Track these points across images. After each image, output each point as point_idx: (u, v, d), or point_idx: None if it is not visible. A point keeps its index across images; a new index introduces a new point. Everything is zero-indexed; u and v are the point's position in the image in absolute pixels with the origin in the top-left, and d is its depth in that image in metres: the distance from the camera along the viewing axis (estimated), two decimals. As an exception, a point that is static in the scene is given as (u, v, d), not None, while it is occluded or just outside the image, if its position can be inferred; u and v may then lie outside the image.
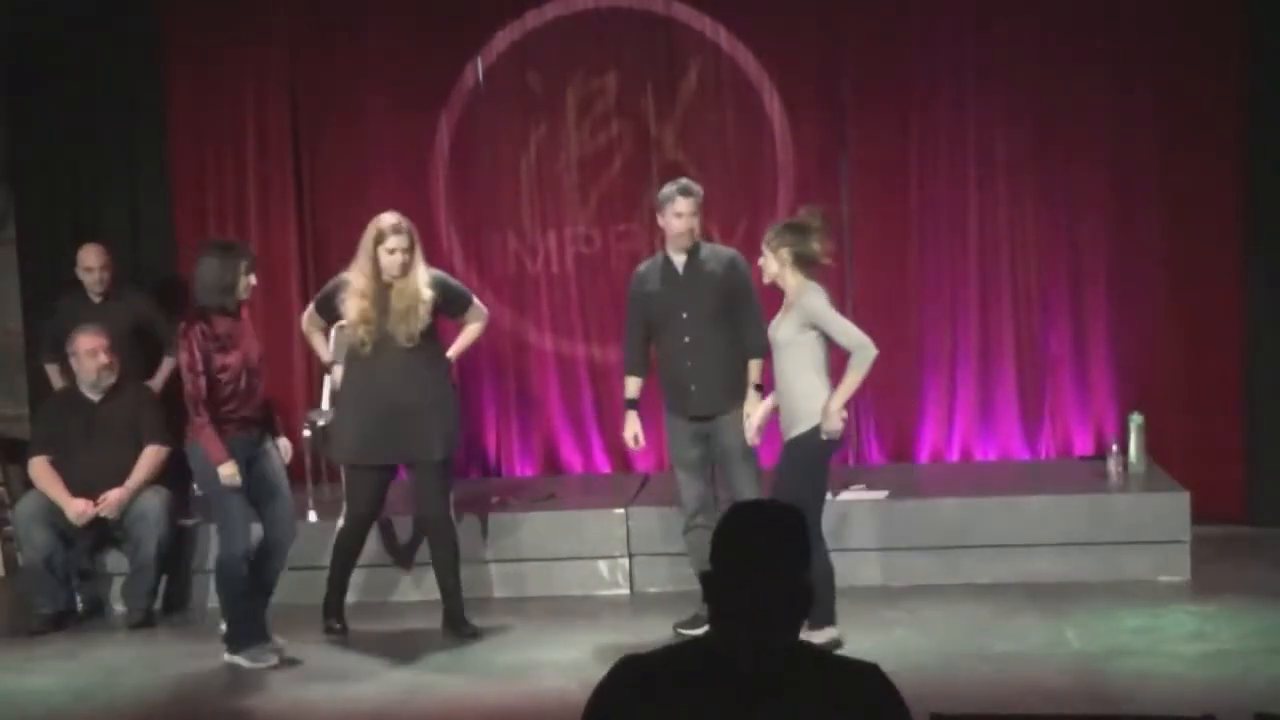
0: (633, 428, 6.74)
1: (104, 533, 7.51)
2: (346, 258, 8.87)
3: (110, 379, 7.52)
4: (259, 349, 6.64)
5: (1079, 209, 8.46)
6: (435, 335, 6.78)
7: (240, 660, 6.53)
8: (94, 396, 7.52)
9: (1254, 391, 8.29)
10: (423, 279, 6.69)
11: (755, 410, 6.44)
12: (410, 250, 6.64)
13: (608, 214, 8.77)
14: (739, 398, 6.52)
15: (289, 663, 6.53)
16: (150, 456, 7.47)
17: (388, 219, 6.68)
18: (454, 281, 7.06)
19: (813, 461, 6.16)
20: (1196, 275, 8.32)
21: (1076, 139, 8.42)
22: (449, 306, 6.84)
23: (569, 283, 8.82)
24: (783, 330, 6.19)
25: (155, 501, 7.37)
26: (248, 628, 6.56)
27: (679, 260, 6.62)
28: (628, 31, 8.71)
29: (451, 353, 7.00)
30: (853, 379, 6.12)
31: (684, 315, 6.57)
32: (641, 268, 6.85)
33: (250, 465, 6.50)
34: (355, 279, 6.69)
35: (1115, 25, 8.35)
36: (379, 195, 8.77)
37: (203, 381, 6.32)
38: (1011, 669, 6.05)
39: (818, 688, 2.63)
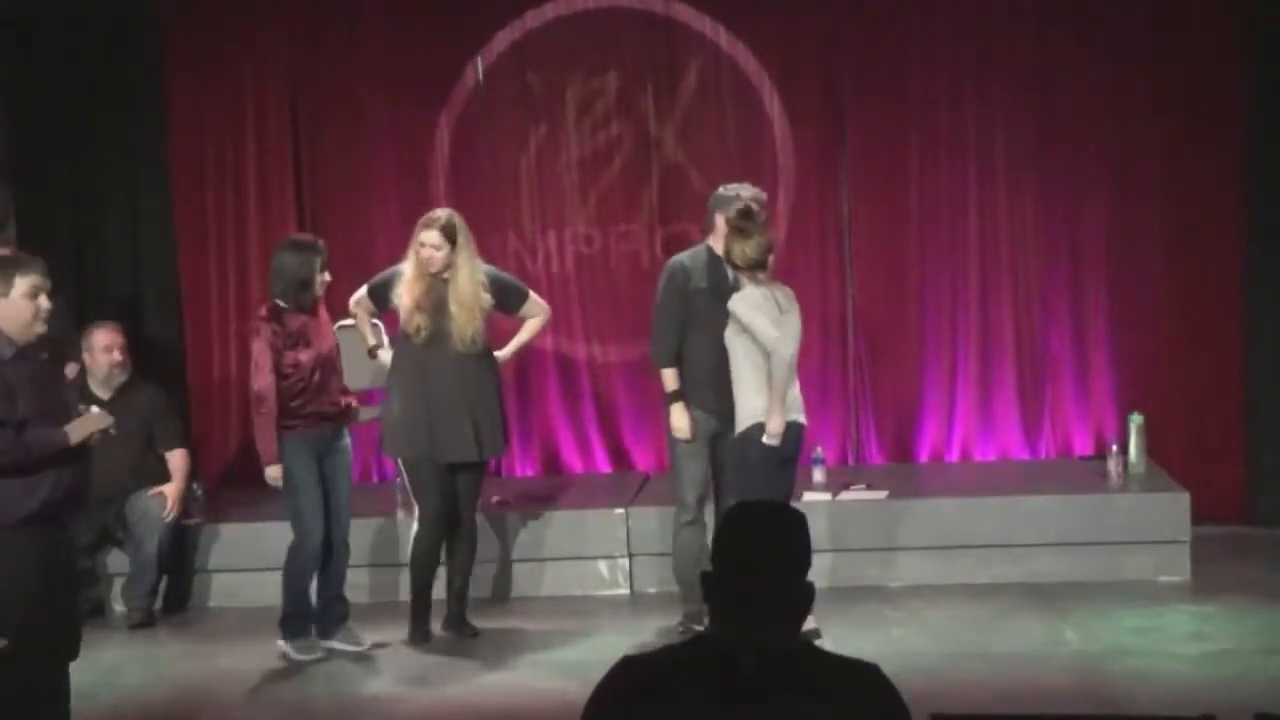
0: (685, 417, 6.57)
1: (105, 533, 7.51)
2: (347, 257, 8.92)
3: (122, 377, 7.51)
4: (333, 344, 6.66)
5: (1079, 209, 8.46)
6: (488, 336, 6.73)
7: (288, 649, 6.60)
8: (104, 394, 7.50)
9: (1254, 391, 8.29)
10: (479, 280, 6.62)
11: None
12: (444, 248, 6.55)
13: (608, 214, 8.76)
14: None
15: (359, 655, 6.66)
16: (179, 459, 7.53)
17: (430, 214, 6.68)
18: (507, 276, 7.01)
19: (754, 459, 6.23)
20: (1196, 275, 8.32)
21: (1077, 139, 8.42)
22: (504, 303, 6.79)
23: (569, 283, 8.81)
24: (727, 331, 6.32)
25: (156, 502, 7.38)
26: (299, 619, 6.64)
27: (729, 266, 6.48)
28: (628, 31, 8.70)
29: (505, 353, 6.90)
30: (774, 380, 6.19)
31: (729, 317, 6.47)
32: (685, 261, 6.68)
33: (322, 461, 6.55)
34: (406, 270, 6.68)
35: (1115, 24, 8.35)
36: (379, 195, 8.80)
37: (269, 379, 6.42)
38: (1011, 669, 6.05)
39: (818, 688, 2.63)
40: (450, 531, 6.82)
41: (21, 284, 4.80)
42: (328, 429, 6.57)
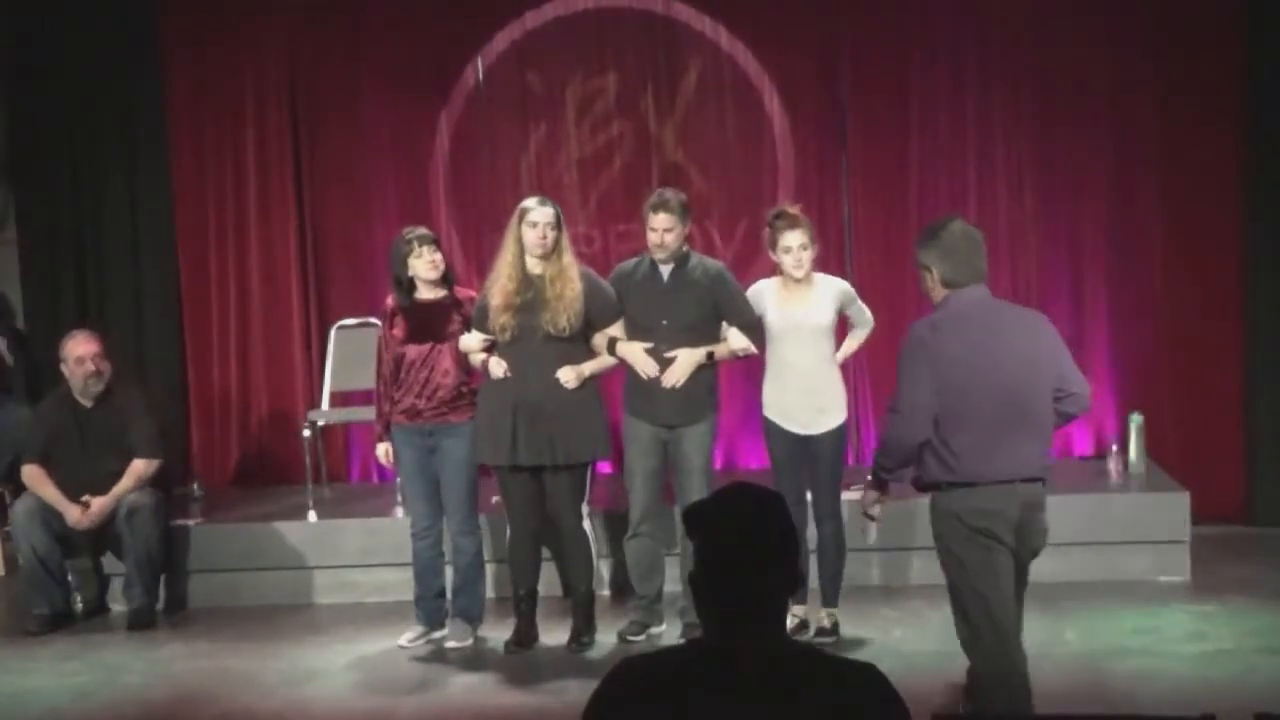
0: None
1: (102, 533, 7.49)
2: (347, 257, 8.94)
3: (99, 386, 7.40)
4: (448, 338, 6.60)
5: (1079, 210, 8.47)
6: (584, 337, 6.46)
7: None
8: (85, 402, 7.46)
9: (1254, 391, 8.30)
10: (574, 269, 6.39)
11: (687, 358, 6.38)
12: (556, 231, 6.35)
13: (608, 214, 8.77)
14: (704, 410, 6.47)
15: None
16: (137, 468, 7.37)
17: (531, 200, 6.45)
18: (607, 284, 6.56)
19: (843, 451, 6.68)
20: (1197, 275, 8.33)
21: (1077, 141, 8.43)
22: (596, 310, 6.44)
23: (569, 283, 8.80)
24: (829, 315, 6.42)
25: (147, 502, 7.34)
26: (416, 603, 6.76)
27: (665, 269, 6.46)
28: (628, 31, 8.71)
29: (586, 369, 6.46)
30: (858, 346, 6.91)
31: (663, 324, 6.41)
32: (627, 266, 6.67)
33: (433, 453, 6.61)
34: (499, 266, 6.41)
35: (1115, 22, 8.35)
36: (379, 196, 8.81)
37: (381, 363, 6.66)
38: (1011, 669, 6.04)
39: (817, 687, 2.62)
40: (555, 538, 6.74)
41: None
42: (419, 424, 6.60)
